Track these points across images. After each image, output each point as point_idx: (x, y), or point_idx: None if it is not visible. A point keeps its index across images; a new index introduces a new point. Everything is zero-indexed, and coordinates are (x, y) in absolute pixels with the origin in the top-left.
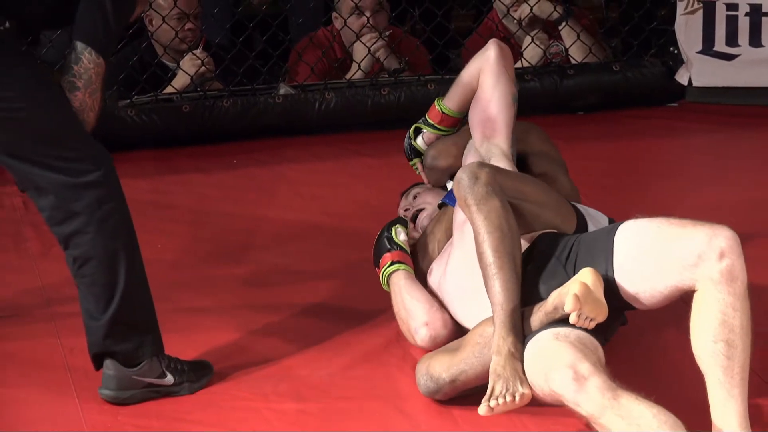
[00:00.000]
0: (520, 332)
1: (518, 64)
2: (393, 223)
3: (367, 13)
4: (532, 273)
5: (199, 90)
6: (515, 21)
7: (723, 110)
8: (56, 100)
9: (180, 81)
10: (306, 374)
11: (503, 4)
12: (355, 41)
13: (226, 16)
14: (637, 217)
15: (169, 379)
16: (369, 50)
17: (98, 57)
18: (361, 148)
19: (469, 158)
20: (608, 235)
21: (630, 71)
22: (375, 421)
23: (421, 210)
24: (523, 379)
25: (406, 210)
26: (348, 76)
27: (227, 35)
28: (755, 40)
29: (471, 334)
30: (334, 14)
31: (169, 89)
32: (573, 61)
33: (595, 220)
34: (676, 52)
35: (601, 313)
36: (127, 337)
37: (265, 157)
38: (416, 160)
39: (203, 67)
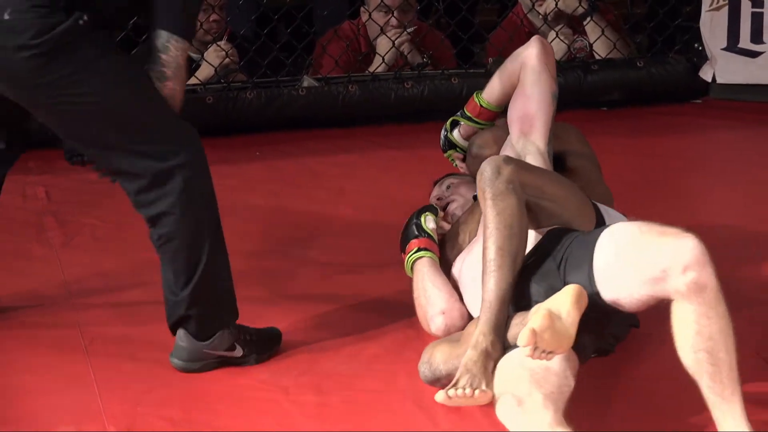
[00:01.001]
0: (503, 333)
1: None
2: (423, 210)
3: (395, 13)
4: (529, 268)
5: (223, 81)
6: (540, 16)
7: (747, 107)
8: (140, 88)
9: (204, 72)
10: (327, 367)
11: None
12: (379, 35)
13: (251, 7)
14: (624, 220)
15: (238, 351)
16: (393, 44)
17: (183, 42)
18: (386, 140)
19: (505, 153)
20: (594, 237)
21: (654, 67)
22: (394, 416)
23: (453, 200)
24: (489, 379)
25: (438, 199)
26: (371, 69)
27: (252, 27)
28: None
29: (470, 330)
30: (362, 9)
31: (193, 80)
32: (597, 57)
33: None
34: (700, 48)
35: (561, 346)
36: (202, 313)
37: (290, 149)
38: (451, 152)
39: (227, 59)
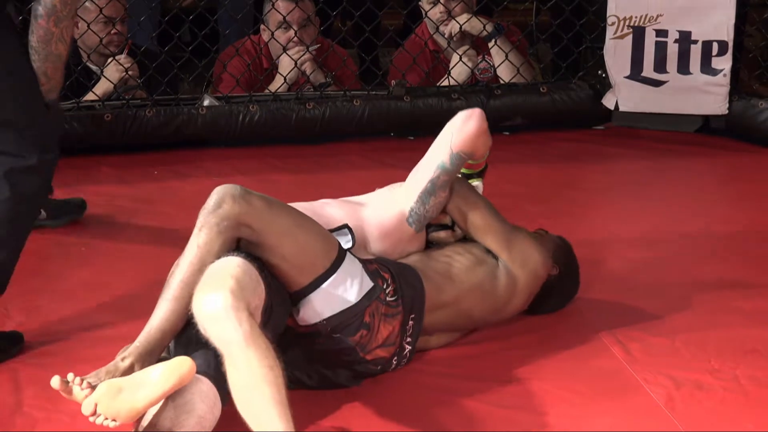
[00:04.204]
0: (147, 361)
1: (446, 82)
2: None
3: (294, 27)
4: None
5: (123, 98)
6: (445, 37)
7: (648, 135)
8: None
9: (102, 87)
10: None
11: (432, 20)
12: (281, 54)
13: (153, 22)
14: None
15: None
16: (296, 63)
17: None
18: (283, 163)
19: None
20: None
21: (557, 93)
22: None
23: None
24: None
25: None
26: (272, 88)
27: (153, 42)
28: (683, 68)
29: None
30: (262, 26)
31: (91, 96)
32: (501, 81)
33: (349, 270)
34: (604, 75)
35: (119, 416)
36: None
37: (187, 170)
38: None
39: (127, 74)
